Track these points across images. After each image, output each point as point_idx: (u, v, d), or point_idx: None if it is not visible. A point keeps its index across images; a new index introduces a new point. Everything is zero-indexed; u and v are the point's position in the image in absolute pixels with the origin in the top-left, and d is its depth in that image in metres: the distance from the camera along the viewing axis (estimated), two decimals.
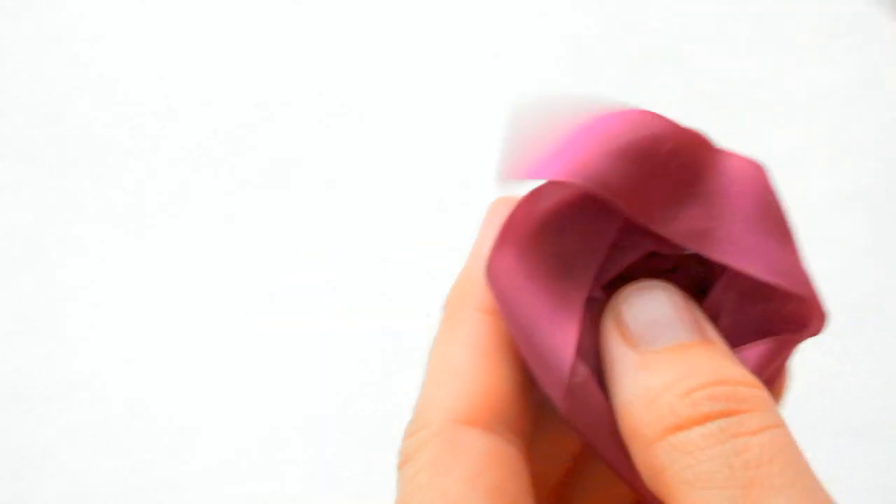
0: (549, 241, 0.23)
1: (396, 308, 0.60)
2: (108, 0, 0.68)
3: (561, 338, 0.22)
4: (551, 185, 0.23)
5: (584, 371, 0.22)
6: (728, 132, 0.64)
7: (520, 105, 0.25)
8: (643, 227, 0.23)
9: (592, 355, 0.22)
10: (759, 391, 0.21)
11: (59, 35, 0.67)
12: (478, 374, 0.22)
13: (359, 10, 0.68)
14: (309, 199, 0.63)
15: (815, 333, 0.25)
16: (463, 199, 0.63)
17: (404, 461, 0.22)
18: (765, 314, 0.24)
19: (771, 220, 0.23)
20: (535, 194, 0.23)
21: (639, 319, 0.22)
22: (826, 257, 0.61)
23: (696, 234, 0.23)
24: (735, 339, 0.23)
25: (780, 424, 0.20)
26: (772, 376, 0.25)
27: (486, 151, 0.64)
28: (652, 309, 0.22)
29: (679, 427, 0.19)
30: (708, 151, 0.24)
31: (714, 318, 0.23)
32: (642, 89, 0.65)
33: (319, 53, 0.67)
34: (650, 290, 0.22)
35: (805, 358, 0.59)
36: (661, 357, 0.21)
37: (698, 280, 0.24)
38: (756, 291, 0.23)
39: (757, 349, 0.24)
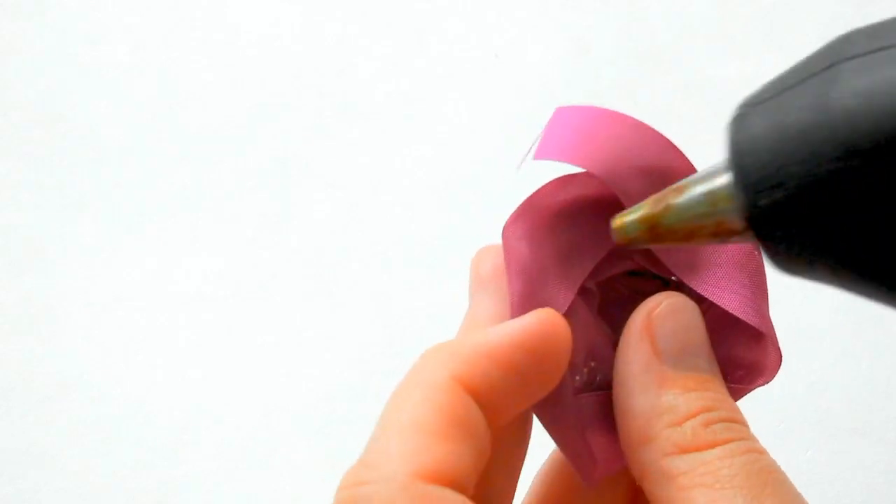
0: (563, 224, 0.25)
1: (396, 308, 0.60)
2: (109, 0, 0.68)
3: (556, 297, 0.25)
4: (577, 177, 0.25)
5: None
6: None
7: (557, 107, 0.26)
8: None
9: (581, 339, 0.25)
10: (748, 428, 0.25)
11: (60, 35, 0.67)
12: (446, 439, 0.22)
13: (359, 10, 0.68)
14: (309, 199, 0.63)
15: (765, 382, 0.28)
16: (463, 199, 0.63)
17: None
18: (724, 359, 0.26)
19: (750, 269, 0.26)
20: (562, 181, 0.25)
21: (671, 339, 0.24)
22: None
23: (685, 265, 0.25)
24: None
25: (767, 453, 0.24)
26: None
27: (486, 151, 0.64)
28: (685, 332, 0.25)
29: (699, 448, 0.23)
30: None
31: None
32: (642, 89, 0.65)
33: (320, 54, 0.67)
34: (688, 311, 0.25)
35: (805, 358, 0.59)
36: (685, 384, 0.24)
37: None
38: (721, 332, 0.26)
39: None
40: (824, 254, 0.20)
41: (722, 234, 0.22)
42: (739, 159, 0.20)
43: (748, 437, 0.24)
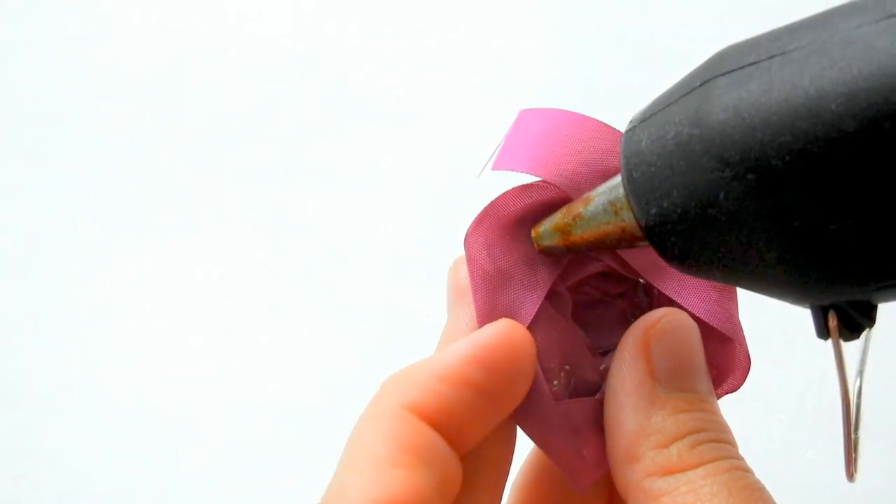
0: (526, 230, 0.25)
1: (396, 308, 0.60)
2: (109, 0, 0.68)
3: (522, 304, 0.24)
4: (538, 184, 0.26)
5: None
6: None
7: (521, 109, 0.26)
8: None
9: (554, 344, 0.25)
10: (736, 447, 0.25)
11: (60, 35, 0.67)
12: (400, 468, 0.22)
13: (359, 10, 0.68)
14: (309, 199, 0.63)
15: (732, 389, 0.27)
16: (463, 199, 0.63)
17: None
18: None
19: None
20: (524, 188, 0.26)
21: (667, 358, 0.24)
22: None
23: (652, 266, 0.26)
24: None
25: (752, 471, 0.24)
26: None
27: (486, 151, 0.64)
28: (682, 351, 0.24)
29: (683, 469, 0.23)
30: None
31: None
32: (642, 89, 0.65)
33: (320, 54, 0.67)
34: (685, 330, 0.25)
35: (805, 358, 0.59)
36: (677, 405, 0.24)
37: (641, 308, 0.27)
38: None
39: None
40: (711, 259, 0.21)
41: (628, 240, 0.23)
42: (629, 173, 0.21)
43: (734, 455, 0.24)
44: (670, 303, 0.26)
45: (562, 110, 0.26)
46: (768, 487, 0.24)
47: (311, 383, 0.59)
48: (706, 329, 0.26)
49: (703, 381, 0.25)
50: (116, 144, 0.65)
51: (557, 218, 0.24)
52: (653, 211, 0.21)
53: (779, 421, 0.58)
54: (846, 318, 0.21)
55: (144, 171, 0.64)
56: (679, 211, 0.20)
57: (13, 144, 0.65)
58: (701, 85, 0.20)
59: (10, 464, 0.57)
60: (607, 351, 0.26)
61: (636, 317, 0.26)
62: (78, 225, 0.63)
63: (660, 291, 0.26)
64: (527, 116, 0.26)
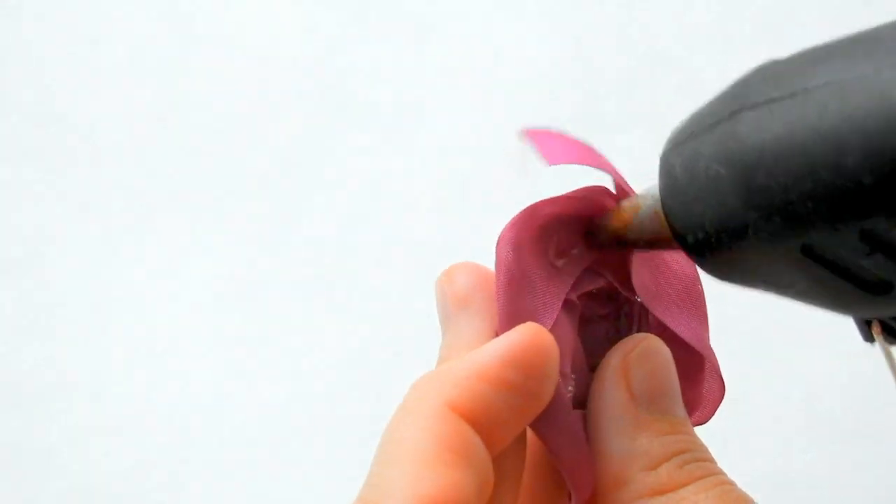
0: (547, 237, 0.26)
1: (396, 308, 0.60)
2: (109, 0, 0.68)
3: (544, 309, 0.25)
4: (560, 198, 0.26)
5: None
6: None
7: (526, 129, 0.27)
8: (608, 264, 0.27)
9: (565, 349, 0.25)
10: (717, 464, 0.25)
11: (60, 35, 0.67)
12: (445, 466, 0.22)
13: (359, 11, 0.68)
14: (309, 199, 0.63)
15: (706, 418, 0.28)
16: (463, 199, 0.63)
17: None
18: None
19: (695, 301, 0.28)
20: (549, 201, 0.26)
21: (645, 382, 0.25)
22: None
23: (649, 290, 0.27)
24: None
25: (736, 484, 0.24)
26: None
27: (486, 151, 0.64)
28: (659, 375, 0.25)
29: (674, 488, 0.24)
30: None
31: None
32: (642, 89, 0.65)
33: (320, 55, 0.67)
34: (660, 355, 0.25)
35: (805, 359, 0.59)
36: (661, 427, 0.25)
37: (621, 333, 0.28)
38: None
39: None
40: (749, 280, 0.22)
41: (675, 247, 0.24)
42: (665, 200, 0.22)
43: (719, 472, 0.24)
44: (654, 328, 0.27)
45: (560, 132, 0.27)
46: (767, 488, 0.24)
47: (311, 383, 0.59)
48: (684, 355, 0.27)
49: (680, 406, 0.25)
50: (117, 144, 0.65)
51: (611, 218, 0.25)
52: (689, 238, 0.22)
53: (778, 422, 0.58)
54: (889, 328, 0.22)
55: (144, 171, 0.64)
56: (713, 241, 0.21)
57: (13, 144, 0.65)
58: (729, 117, 0.21)
59: (10, 464, 0.57)
60: (591, 368, 0.27)
61: (614, 340, 0.27)
62: (79, 225, 0.63)
63: (642, 318, 0.27)
64: (543, 135, 0.27)
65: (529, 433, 0.26)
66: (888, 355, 0.23)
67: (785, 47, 0.70)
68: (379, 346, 0.59)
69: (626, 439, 0.24)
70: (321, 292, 0.61)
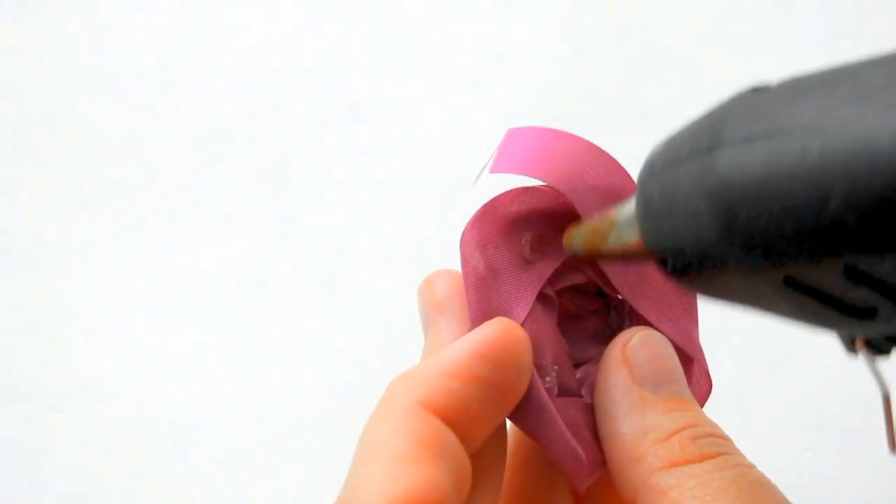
0: (519, 232, 0.26)
1: (396, 308, 0.60)
2: (109, 0, 0.68)
3: (515, 303, 0.26)
4: (533, 189, 0.27)
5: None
6: None
7: (509, 128, 0.27)
8: (590, 259, 0.27)
9: (545, 343, 0.26)
10: (733, 443, 0.25)
11: (60, 35, 0.67)
12: (417, 463, 0.22)
13: (359, 10, 0.68)
14: (309, 199, 0.63)
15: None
16: (463, 199, 0.63)
17: None
18: None
19: (685, 299, 0.28)
20: (519, 192, 0.27)
21: (647, 365, 0.25)
22: None
23: (631, 285, 0.27)
24: None
25: (755, 466, 0.25)
26: None
27: (486, 151, 0.64)
28: (659, 360, 0.26)
29: (688, 461, 0.24)
30: None
31: None
32: (642, 89, 0.65)
33: (320, 54, 0.67)
34: (659, 342, 0.26)
35: (805, 358, 0.59)
36: (667, 405, 0.25)
37: (611, 328, 0.28)
38: None
39: None
40: (729, 300, 0.22)
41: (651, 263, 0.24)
42: (643, 226, 0.22)
43: (734, 451, 0.24)
44: (643, 323, 0.27)
45: (550, 128, 0.27)
46: None
47: (311, 383, 0.59)
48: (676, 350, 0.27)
49: (685, 387, 0.26)
50: (117, 144, 0.65)
51: (587, 231, 0.25)
52: (669, 263, 0.22)
53: (779, 421, 0.58)
54: (871, 343, 0.22)
55: (144, 171, 0.64)
56: (693, 268, 0.21)
57: (13, 144, 0.65)
58: (707, 151, 0.21)
59: (10, 464, 0.57)
60: (579, 364, 0.27)
61: (606, 334, 0.27)
62: (78, 225, 0.63)
63: (632, 311, 0.27)
64: (516, 133, 0.27)
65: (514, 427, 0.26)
66: (871, 367, 0.23)
67: (785, 47, 0.71)
68: (379, 346, 0.59)
69: (636, 418, 0.25)
70: (322, 292, 0.61)
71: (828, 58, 0.72)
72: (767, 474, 0.25)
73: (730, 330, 0.59)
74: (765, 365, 0.59)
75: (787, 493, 0.24)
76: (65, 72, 0.66)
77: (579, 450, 0.25)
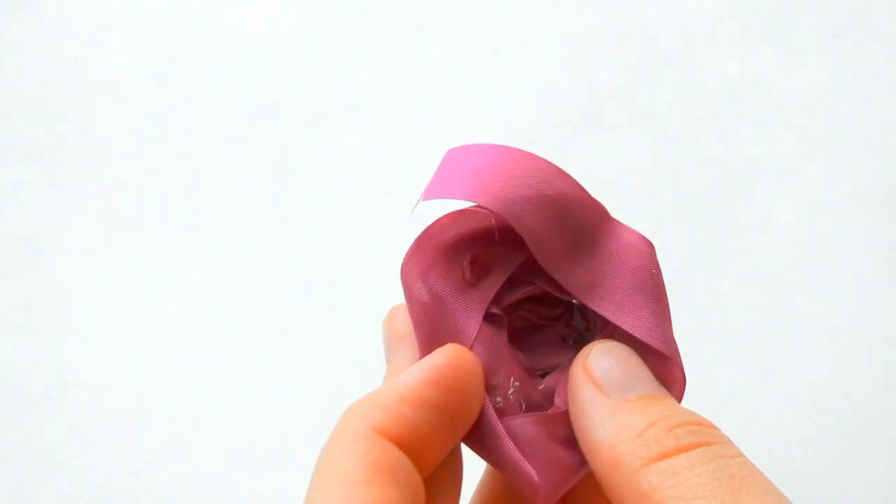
0: (460, 256, 0.27)
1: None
2: (109, 0, 0.68)
3: (463, 328, 0.26)
4: (471, 210, 0.27)
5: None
6: (728, 132, 0.64)
7: (448, 149, 0.28)
8: (540, 269, 0.27)
9: (495, 364, 0.26)
10: (718, 430, 0.25)
11: (60, 35, 0.67)
12: (371, 486, 0.23)
13: (359, 10, 0.68)
14: (309, 199, 0.63)
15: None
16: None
17: None
18: None
19: (650, 289, 0.27)
20: (455, 215, 0.27)
21: (610, 374, 0.25)
22: (826, 257, 0.61)
23: (586, 287, 0.27)
24: None
25: (742, 454, 0.24)
26: None
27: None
28: (622, 365, 0.26)
29: (665, 455, 0.23)
30: (606, 220, 0.28)
31: None
32: (642, 90, 0.65)
33: (320, 54, 0.67)
34: (618, 350, 0.26)
35: (805, 358, 0.59)
36: (637, 404, 0.25)
37: (577, 331, 0.28)
38: None
39: None
40: None
41: None
42: None
43: (716, 439, 0.24)
44: (611, 324, 0.27)
45: (490, 144, 0.27)
46: None
47: (311, 383, 0.59)
48: (642, 349, 0.27)
49: (654, 384, 0.26)
50: (117, 144, 0.65)
51: None
52: None
53: (779, 421, 0.58)
54: None
55: (144, 171, 0.64)
56: None
57: (13, 144, 0.65)
58: None
59: (10, 464, 0.57)
60: (546, 372, 0.27)
61: (573, 339, 0.28)
62: (78, 225, 0.63)
63: (595, 313, 0.27)
64: (455, 153, 0.27)
65: None
66: None
67: (785, 47, 0.71)
68: (378, 346, 0.59)
69: (608, 423, 0.24)
70: (322, 292, 0.61)
71: (828, 58, 0.73)
72: (766, 473, 0.24)
73: (729, 330, 0.59)
74: (765, 365, 0.59)
75: (787, 493, 0.24)
76: (65, 71, 0.66)
77: (530, 471, 0.25)
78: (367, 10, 0.68)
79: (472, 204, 0.26)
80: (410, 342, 0.26)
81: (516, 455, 0.25)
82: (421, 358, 0.26)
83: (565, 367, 0.27)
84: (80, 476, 0.57)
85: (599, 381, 0.25)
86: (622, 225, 0.28)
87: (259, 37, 0.67)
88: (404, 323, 0.27)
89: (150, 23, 0.68)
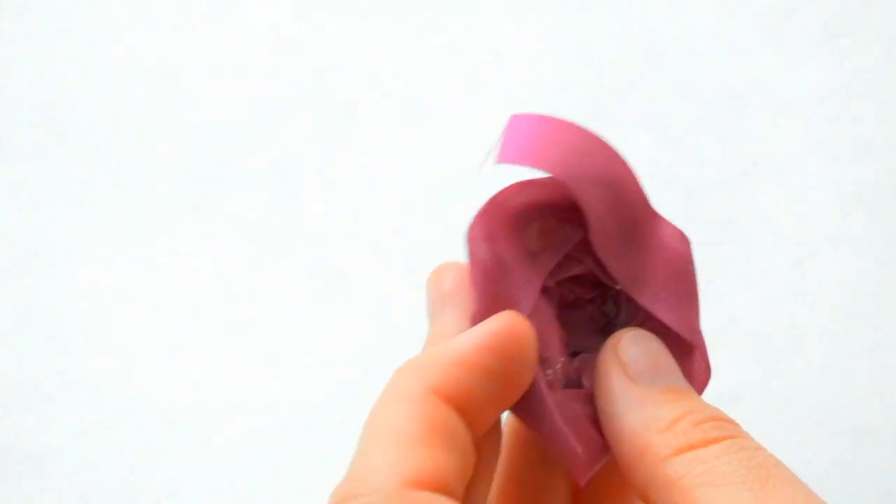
0: (523, 224, 0.27)
1: (397, 308, 0.60)
2: (109, 0, 0.68)
3: (520, 297, 0.26)
4: (535, 182, 0.27)
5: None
6: (728, 132, 0.64)
7: (512, 114, 0.27)
8: (589, 250, 0.27)
9: (547, 335, 0.26)
10: (740, 426, 0.25)
11: (60, 35, 0.67)
12: (428, 447, 0.23)
13: (359, 11, 0.68)
14: (310, 200, 0.63)
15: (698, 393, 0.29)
16: (463, 199, 0.63)
17: None
18: None
19: (685, 283, 0.28)
20: (522, 185, 0.27)
21: (640, 361, 0.26)
22: (826, 256, 0.61)
23: (629, 276, 0.27)
24: None
25: (765, 448, 0.24)
26: None
27: (485, 151, 0.64)
28: (651, 356, 0.26)
29: (693, 447, 0.24)
30: (650, 212, 0.28)
31: None
32: (643, 89, 0.65)
33: (320, 55, 0.67)
34: (649, 339, 0.26)
35: (805, 358, 0.59)
36: (665, 396, 0.25)
37: (608, 317, 0.28)
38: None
39: None
40: None
41: None
42: None
43: (740, 434, 0.24)
44: (641, 312, 0.27)
45: (551, 116, 0.27)
46: None
47: (312, 383, 0.59)
48: (671, 340, 0.27)
49: (680, 378, 0.26)
50: (117, 144, 0.65)
51: None
52: None
53: (778, 421, 0.58)
54: None
55: (145, 171, 0.64)
56: None
57: (13, 144, 0.65)
58: None
59: (10, 464, 0.57)
60: (577, 352, 0.28)
61: (602, 323, 0.28)
62: (78, 225, 0.63)
63: (629, 300, 0.28)
64: (519, 119, 0.27)
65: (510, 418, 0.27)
66: None
67: (785, 47, 0.71)
68: (379, 345, 0.60)
69: (635, 412, 0.25)
70: (322, 291, 0.61)
71: (828, 58, 0.73)
72: None
73: (731, 329, 0.59)
74: (765, 364, 0.59)
75: None
76: (65, 72, 0.66)
77: (576, 445, 0.26)
78: (367, 11, 0.68)
79: (540, 174, 0.26)
80: (457, 302, 0.26)
81: (563, 429, 0.26)
82: (475, 322, 0.25)
83: (592, 350, 0.27)
84: (80, 476, 0.57)
85: (629, 368, 0.26)
86: (663, 218, 0.28)
87: (259, 37, 0.67)
88: (451, 282, 0.27)
89: (152, 24, 0.68)
